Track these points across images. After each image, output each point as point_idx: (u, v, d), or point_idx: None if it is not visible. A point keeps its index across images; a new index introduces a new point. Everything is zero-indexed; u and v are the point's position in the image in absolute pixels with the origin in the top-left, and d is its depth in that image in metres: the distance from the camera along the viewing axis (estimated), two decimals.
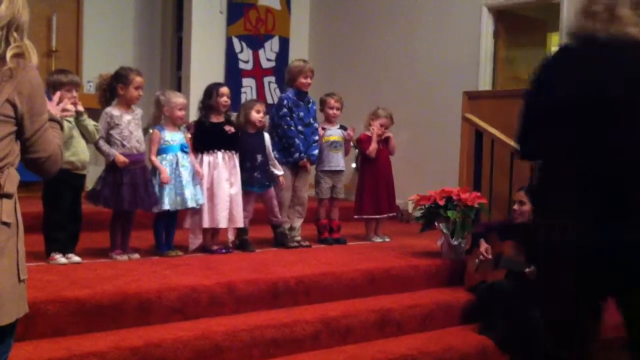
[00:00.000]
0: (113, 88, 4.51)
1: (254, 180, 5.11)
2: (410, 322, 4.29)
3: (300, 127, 5.44)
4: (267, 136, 5.26)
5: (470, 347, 4.17)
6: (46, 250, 4.27)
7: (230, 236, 5.07)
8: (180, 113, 4.72)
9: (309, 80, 5.51)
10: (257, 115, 5.13)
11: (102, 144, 4.45)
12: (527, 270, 4.27)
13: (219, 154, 4.90)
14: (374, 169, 5.93)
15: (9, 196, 2.11)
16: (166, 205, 4.60)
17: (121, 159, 4.40)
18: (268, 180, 5.19)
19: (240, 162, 5.03)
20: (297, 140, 5.38)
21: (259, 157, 5.12)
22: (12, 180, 2.12)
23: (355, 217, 5.97)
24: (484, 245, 4.69)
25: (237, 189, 4.94)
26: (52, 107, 2.47)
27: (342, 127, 5.81)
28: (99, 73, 4.63)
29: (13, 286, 2.11)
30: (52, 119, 2.35)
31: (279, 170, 5.25)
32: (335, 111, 5.75)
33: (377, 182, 5.91)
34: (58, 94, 2.64)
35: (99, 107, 4.60)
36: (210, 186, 4.86)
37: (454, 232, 4.99)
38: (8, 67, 2.07)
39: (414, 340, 4.12)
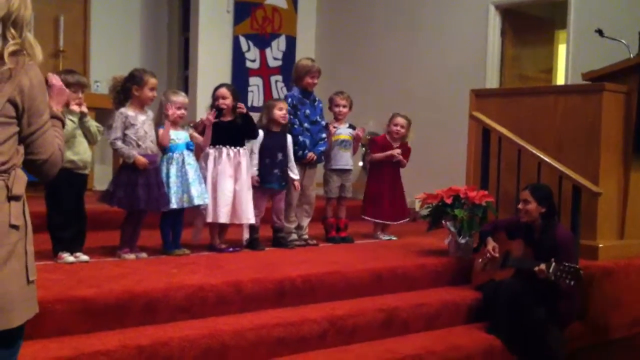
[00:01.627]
0: (127, 89, 4.51)
1: (274, 177, 5.15)
2: (417, 321, 4.29)
3: (306, 125, 5.45)
4: (289, 138, 5.29)
5: (477, 346, 4.17)
6: (53, 249, 4.28)
7: (246, 234, 5.07)
8: (179, 112, 4.72)
9: (315, 81, 5.53)
10: (280, 112, 5.16)
11: (120, 145, 4.43)
12: (535, 269, 4.25)
13: (224, 150, 4.91)
14: (379, 175, 5.96)
15: (17, 198, 2.07)
16: (173, 204, 4.61)
17: (141, 160, 4.40)
18: (285, 180, 5.23)
19: (260, 159, 5.07)
20: (301, 138, 5.38)
21: (280, 156, 5.17)
22: (19, 181, 2.08)
23: (363, 217, 6.02)
24: (491, 244, 4.67)
25: (242, 185, 4.94)
26: (55, 103, 2.40)
27: (351, 126, 5.81)
28: (113, 75, 4.64)
29: (22, 288, 2.09)
30: (53, 116, 2.29)
31: (294, 175, 5.27)
32: (341, 109, 5.75)
33: (381, 188, 5.93)
34: (65, 91, 2.56)
35: (113, 108, 4.60)
36: (214, 181, 4.88)
37: (461, 230, 4.98)
38: (7, 68, 2.00)
39: (420, 340, 4.11)
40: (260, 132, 5.13)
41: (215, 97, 4.97)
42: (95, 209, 4.65)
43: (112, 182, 4.51)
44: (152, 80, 4.52)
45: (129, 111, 4.48)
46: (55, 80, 2.53)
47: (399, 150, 5.87)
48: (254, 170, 5.07)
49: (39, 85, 2.10)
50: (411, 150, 6.02)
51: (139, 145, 4.45)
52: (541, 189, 4.57)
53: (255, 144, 5.12)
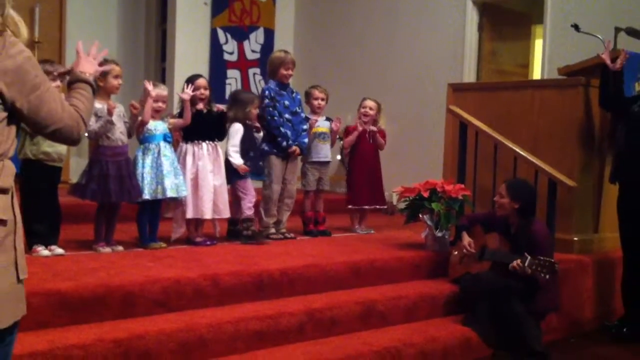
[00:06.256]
0: None
1: (261, 168, 5.27)
2: (395, 314, 4.31)
3: (287, 115, 5.41)
4: None
5: (454, 338, 4.20)
6: (27, 243, 4.22)
7: (218, 227, 5.07)
8: (155, 105, 4.67)
9: (290, 72, 5.47)
10: (255, 112, 5.19)
11: (94, 126, 4.34)
12: (511, 263, 4.28)
13: (204, 145, 4.89)
14: (360, 161, 5.96)
15: (5, 191, 1.95)
16: (146, 195, 4.57)
17: (111, 105, 4.34)
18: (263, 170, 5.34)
19: (246, 152, 5.09)
20: (282, 129, 5.34)
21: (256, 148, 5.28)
22: (7, 173, 1.96)
23: (349, 207, 6.00)
24: (466, 239, 4.70)
25: (221, 180, 4.93)
26: (87, 64, 2.27)
27: (328, 119, 5.82)
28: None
29: (11, 286, 1.97)
30: (80, 80, 2.16)
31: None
32: (320, 102, 5.76)
33: (362, 174, 5.94)
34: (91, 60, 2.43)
35: None
36: (195, 177, 4.84)
37: (438, 224, 5.00)
38: None
39: (398, 332, 4.13)
40: (240, 125, 5.10)
41: (195, 87, 4.92)
42: (70, 202, 4.60)
43: (84, 175, 4.46)
44: (116, 68, 4.44)
45: (96, 104, 4.41)
46: (79, 47, 2.46)
47: (373, 128, 5.91)
48: (242, 162, 5.05)
49: (25, 61, 1.95)
50: (386, 133, 6.04)
51: (108, 137, 4.41)
52: (518, 185, 4.58)
53: (236, 137, 5.08)
